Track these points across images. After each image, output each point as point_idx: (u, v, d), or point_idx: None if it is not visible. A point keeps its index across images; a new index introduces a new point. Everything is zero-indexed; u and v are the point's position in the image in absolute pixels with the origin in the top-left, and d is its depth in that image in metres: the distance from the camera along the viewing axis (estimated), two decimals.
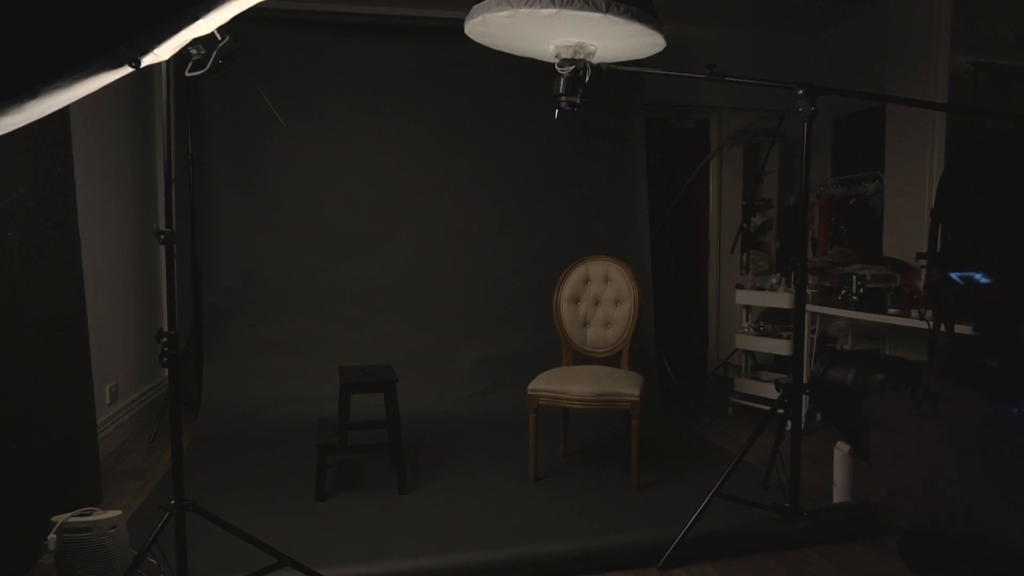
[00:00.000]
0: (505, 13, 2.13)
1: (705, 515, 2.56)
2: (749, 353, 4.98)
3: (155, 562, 2.14)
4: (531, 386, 3.32)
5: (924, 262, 3.98)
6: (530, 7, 2.07)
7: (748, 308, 4.92)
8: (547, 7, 2.05)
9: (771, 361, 5.27)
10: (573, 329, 3.74)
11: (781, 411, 2.84)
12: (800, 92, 2.50)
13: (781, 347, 4.51)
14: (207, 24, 1.39)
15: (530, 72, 2.84)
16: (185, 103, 4.47)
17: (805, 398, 3.93)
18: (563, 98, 2.47)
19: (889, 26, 4.56)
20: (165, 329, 2.03)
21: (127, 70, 1.29)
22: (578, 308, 3.76)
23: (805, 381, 2.71)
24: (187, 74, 1.93)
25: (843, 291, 3.99)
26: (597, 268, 3.77)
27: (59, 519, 2.19)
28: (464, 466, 3.53)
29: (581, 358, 3.73)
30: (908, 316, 3.50)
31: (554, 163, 4.89)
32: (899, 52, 4.46)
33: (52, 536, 2.15)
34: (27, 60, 1.13)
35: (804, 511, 2.68)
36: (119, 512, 2.28)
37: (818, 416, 4.33)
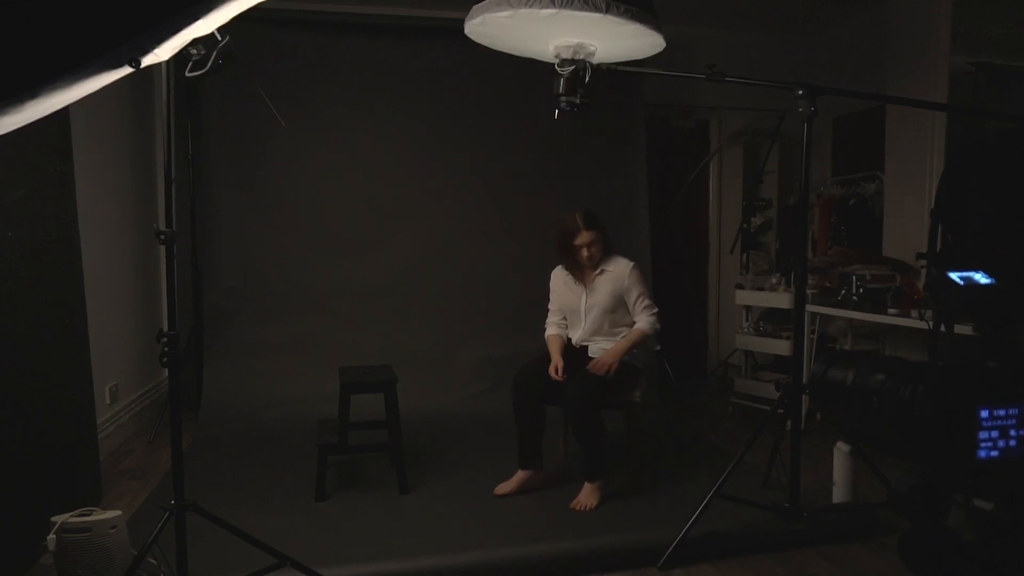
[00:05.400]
0: (505, 13, 2.13)
1: (705, 515, 2.56)
2: (749, 353, 4.98)
3: (155, 562, 2.13)
4: None
5: (924, 262, 3.98)
6: (530, 7, 2.07)
7: (748, 308, 4.92)
8: (547, 7, 2.05)
9: (771, 361, 5.26)
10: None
11: (781, 411, 2.84)
12: (800, 92, 2.50)
13: (781, 347, 4.50)
14: (207, 24, 1.39)
15: (530, 72, 2.84)
16: (185, 103, 4.47)
17: (805, 398, 3.93)
18: (563, 98, 2.46)
19: (889, 26, 4.55)
20: (165, 329, 2.03)
21: (127, 70, 1.29)
22: None
23: (805, 381, 2.71)
24: (187, 74, 1.93)
25: (843, 291, 3.99)
26: None
27: (59, 519, 2.18)
28: (464, 466, 3.53)
29: None
30: (908, 316, 3.50)
31: (554, 163, 4.88)
32: (899, 52, 4.46)
33: (52, 536, 2.15)
34: (27, 60, 1.13)
35: (804, 511, 2.67)
36: (119, 512, 2.28)
37: (818, 416, 4.33)
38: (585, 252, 3.12)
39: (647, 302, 3.18)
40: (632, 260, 3.23)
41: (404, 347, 4.52)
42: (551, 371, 3.08)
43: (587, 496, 2.99)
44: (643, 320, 3.16)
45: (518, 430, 3.12)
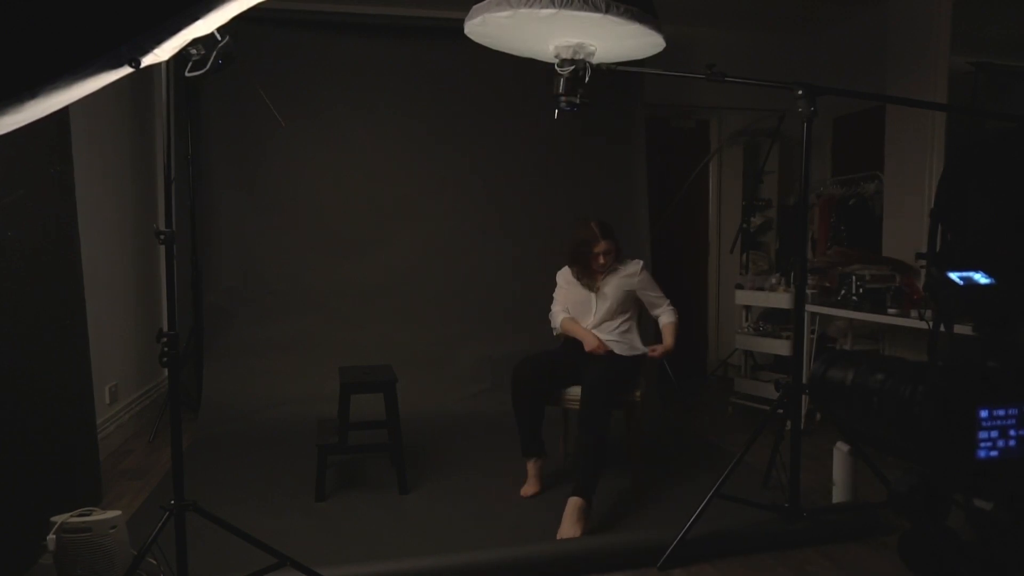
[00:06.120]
0: (505, 13, 2.13)
1: (705, 515, 2.56)
2: (749, 353, 4.98)
3: (155, 562, 2.14)
4: None
5: (924, 262, 3.98)
6: (530, 7, 2.07)
7: (748, 308, 4.92)
8: (547, 7, 2.05)
9: (771, 361, 5.27)
10: None
11: (781, 411, 2.84)
12: (800, 92, 2.50)
13: (781, 347, 4.51)
14: (207, 24, 1.39)
15: (530, 72, 2.85)
16: (185, 103, 4.47)
17: (805, 398, 3.93)
18: (563, 98, 2.46)
19: (889, 26, 4.55)
20: (165, 329, 2.03)
21: (127, 70, 1.29)
22: None
23: (805, 381, 2.71)
24: (187, 74, 1.93)
25: (843, 291, 3.99)
26: None
27: (59, 519, 2.18)
28: (464, 466, 3.53)
29: None
30: (908, 316, 3.50)
31: (554, 163, 4.89)
32: (899, 52, 4.46)
33: (52, 536, 2.15)
34: (27, 60, 1.13)
35: (804, 511, 2.67)
36: (119, 512, 2.28)
37: (818, 416, 4.34)
38: (601, 259, 3.26)
39: (663, 297, 3.38)
40: (639, 259, 3.40)
41: (404, 347, 4.52)
42: (593, 345, 3.17)
43: (571, 525, 2.69)
44: (667, 314, 3.34)
45: (518, 420, 3.12)
